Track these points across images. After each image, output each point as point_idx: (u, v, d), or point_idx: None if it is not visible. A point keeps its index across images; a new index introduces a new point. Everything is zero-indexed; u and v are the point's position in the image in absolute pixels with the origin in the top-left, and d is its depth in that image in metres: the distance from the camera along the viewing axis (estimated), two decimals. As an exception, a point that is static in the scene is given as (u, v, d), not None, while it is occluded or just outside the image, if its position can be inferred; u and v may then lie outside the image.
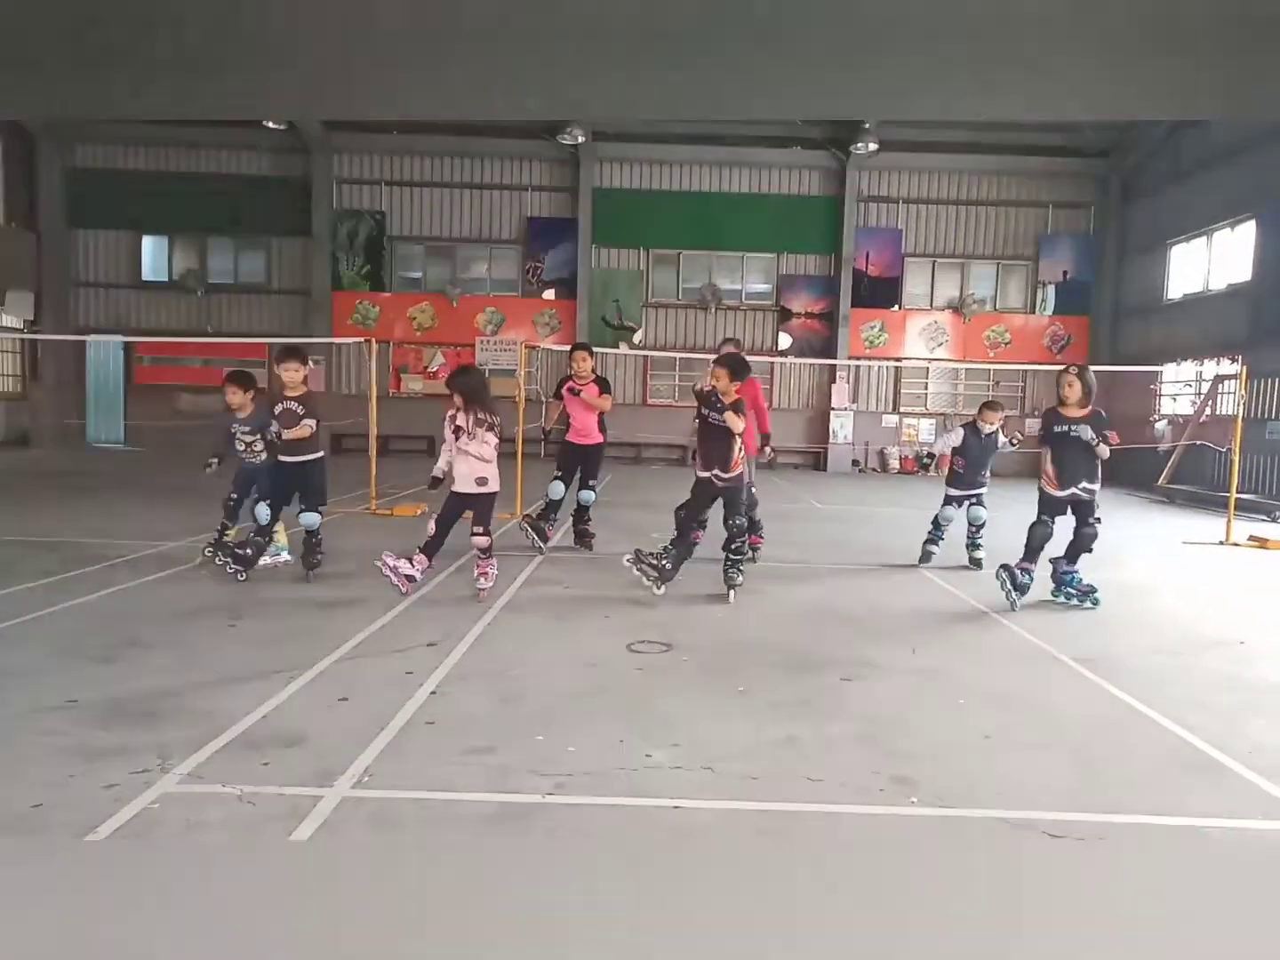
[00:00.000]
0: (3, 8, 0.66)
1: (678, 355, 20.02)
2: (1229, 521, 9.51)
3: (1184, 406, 17.40)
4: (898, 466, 20.70)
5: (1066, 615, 6.07)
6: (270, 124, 19.25)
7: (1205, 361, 16.79)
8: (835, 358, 20.37)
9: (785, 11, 0.67)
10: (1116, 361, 19.33)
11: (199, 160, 20.47)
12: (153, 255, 21.22)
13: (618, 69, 0.71)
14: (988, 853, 1.94)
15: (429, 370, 21.05)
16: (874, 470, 20.84)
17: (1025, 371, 20.61)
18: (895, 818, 2.96)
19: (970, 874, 1.12)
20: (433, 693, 3.98)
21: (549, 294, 21.18)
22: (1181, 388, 17.80)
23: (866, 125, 18.77)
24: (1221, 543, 9.27)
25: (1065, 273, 20.84)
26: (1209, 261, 17.16)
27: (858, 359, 20.87)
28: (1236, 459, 9.53)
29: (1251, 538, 9.28)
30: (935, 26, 0.69)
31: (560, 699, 4.00)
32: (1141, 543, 9.43)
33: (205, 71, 0.70)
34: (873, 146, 19.19)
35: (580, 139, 19.78)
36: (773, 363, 20.72)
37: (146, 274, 21.12)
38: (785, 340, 21.16)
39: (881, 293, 20.99)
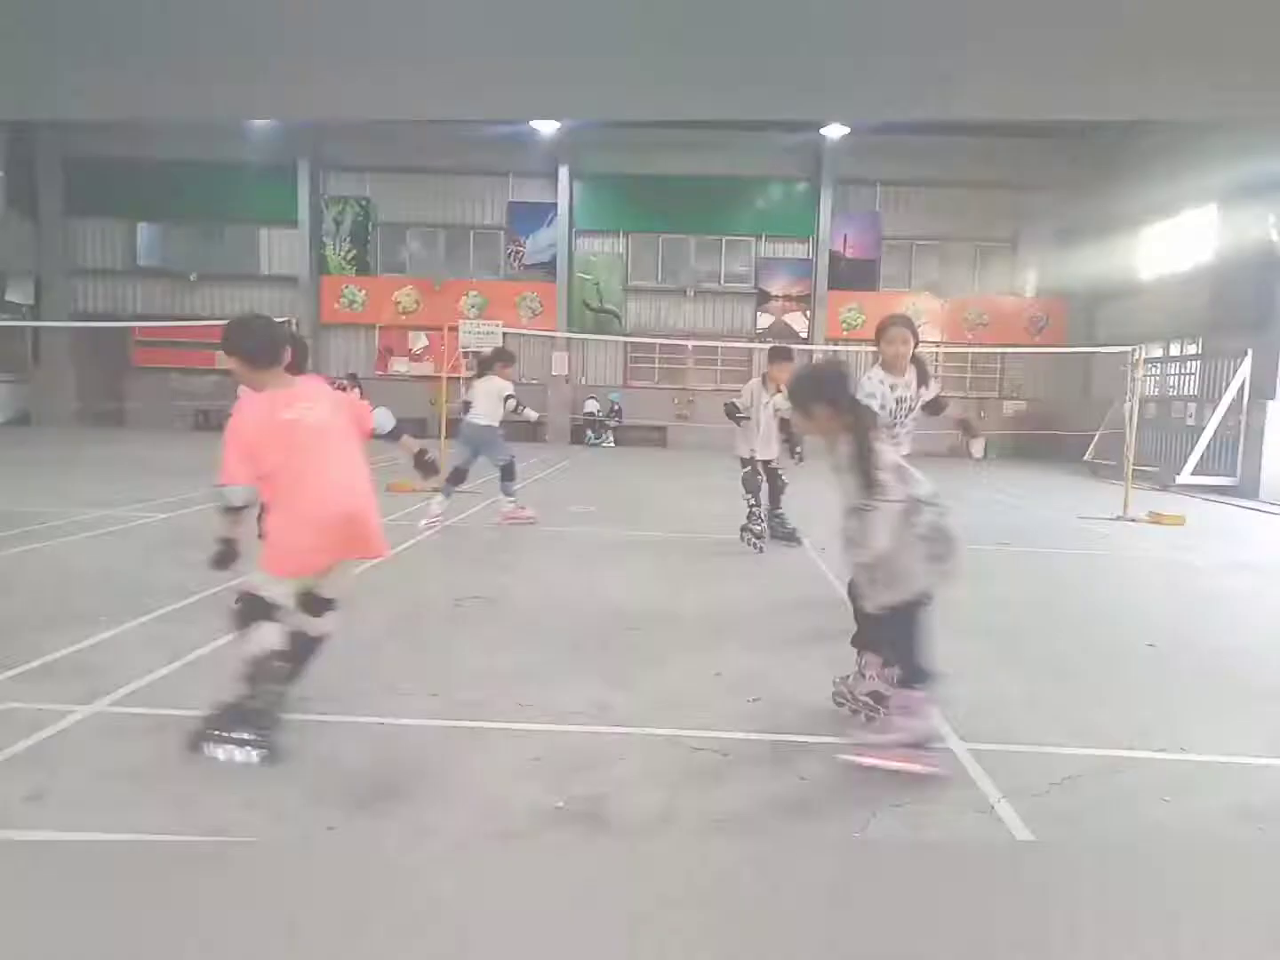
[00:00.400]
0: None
1: (658, 340, 20.32)
2: (1126, 496, 9.71)
3: (1150, 388, 17.43)
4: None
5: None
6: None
7: (1171, 344, 16.83)
8: (812, 341, 20.57)
9: (774, 14, 0.67)
10: (1093, 343, 19.36)
11: (191, 148, 21.01)
12: (147, 242, 21.89)
13: (606, 70, 0.70)
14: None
15: (414, 352, 21.57)
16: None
17: (1003, 354, 20.68)
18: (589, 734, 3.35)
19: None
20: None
21: (529, 277, 21.57)
22: (1149, 369, 17.81)
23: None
24: (1119, 518, 9.48)
25: (1043, 254, 20.85)
26: (1176, 244, 17.14)
27: (835, 341, 21.03)
28: (1133, 437, 9.73)
29: (1151, 513, 9.48)
30: (927, 29, 0.68)
31: (360, 643, 4.41)
32: (1039, 516, 9.68)
33: (194, 73, 0.70)
34: (845, 130, 19.32)
35: (559, 124, 20.08)
36: (751, 347, 20.98)
37: (141, 260, 21.81)
38: (766, 320, 21.40)
39: (860, 275, 21.13)
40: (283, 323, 9.45)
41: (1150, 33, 0.67)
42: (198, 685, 3.68)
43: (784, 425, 7.21)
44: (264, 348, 3.28)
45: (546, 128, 20.12)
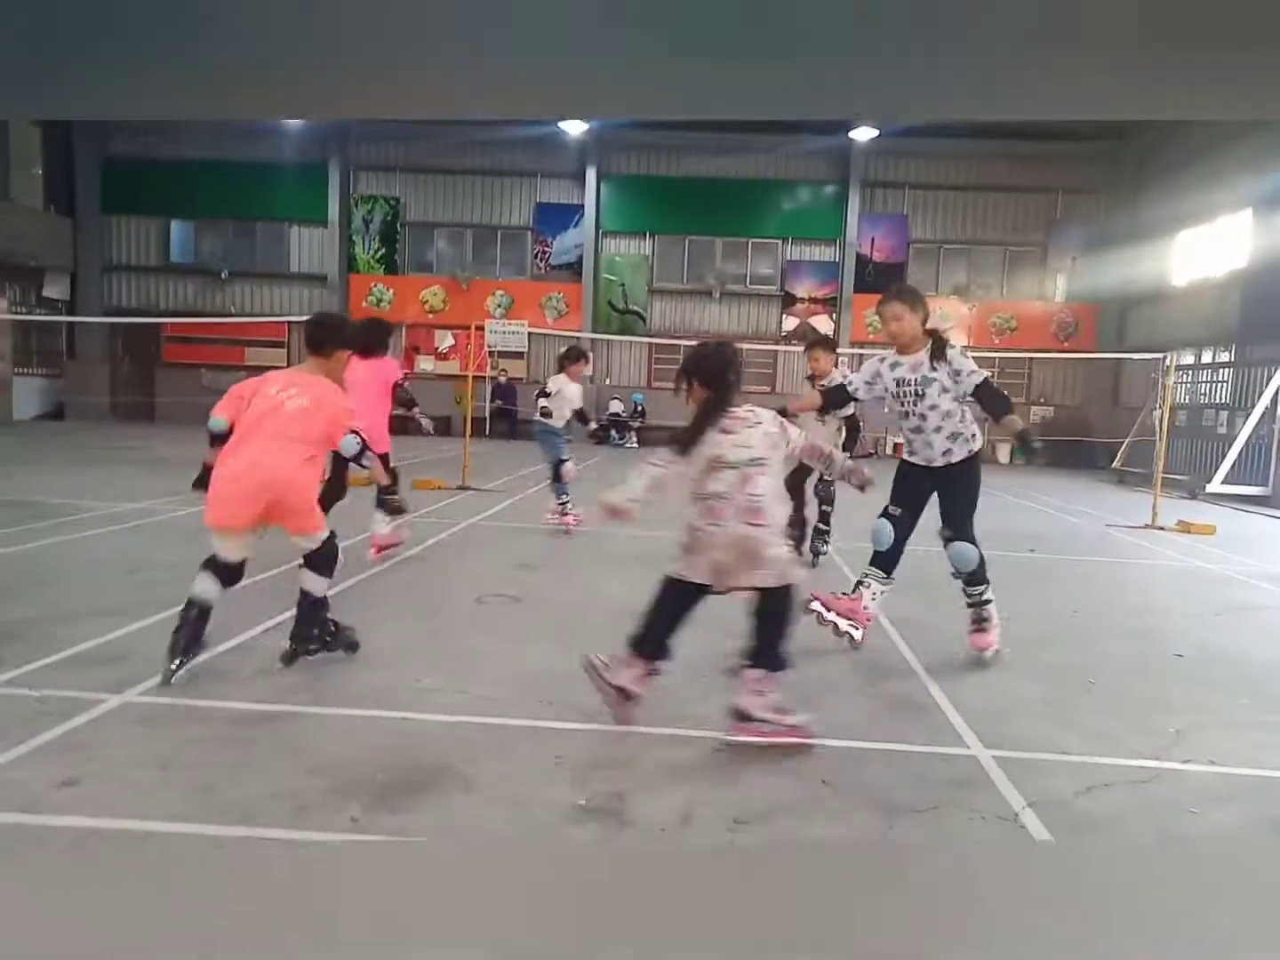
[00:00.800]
0: (13, 10, 0.64)
1: (683, 342, 20.29)
2: (1155, 504, 9.60)
3: (1181, 395, 17.23)
4: (892, 451, 20.82)
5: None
6: (289, 112, 20.01)
7: (1203, 351, 16.61)
8: (838, 344, 20.49)
9: (789, 9, 0.65)
10: (1123, 350, 19.16)
11: (223, 147, 21.31)
12: (180, 240, 22.20)
13: (621, 69, 0.69)
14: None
15: (439, 351, 21.71)
16: (874, 455, 20.93)
17: (1031, 359, 20.50)
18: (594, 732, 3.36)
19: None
20: (271, 628, 4.47)
21: (555, 278, 21.64)
22: (1180, 376, 17.61)
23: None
24: (1147, 526, 9.37)
25: (1074, 259, 20.65)
26: (1210, 250, 16.92)
27: (862, 344, 20.94)
28: (1163, 445, 9.62)
29: (1180, 522, 9.36)
30: (938, 25, 0.66)
31: (384, 639, 4.45)
32: (1066, 523, 9.58)
33: (215, 72, 0.69)
34: (874, 132, 19.24)
35: (588, 125, 20.16)
36: (776, 349, 20.95)
37: (174, 257, 22.13)
38: (791, 323, 21.35)
39: (886, 278, 20.98)
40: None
41: (1187, 28, 0.64)
42: (222, 677, 3.74)
43: (849, 426, 6.50)
44: (309, 337, 4.07)
45: (574, 129, 20.20)
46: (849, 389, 4.61)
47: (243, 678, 3.75)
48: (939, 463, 4.43)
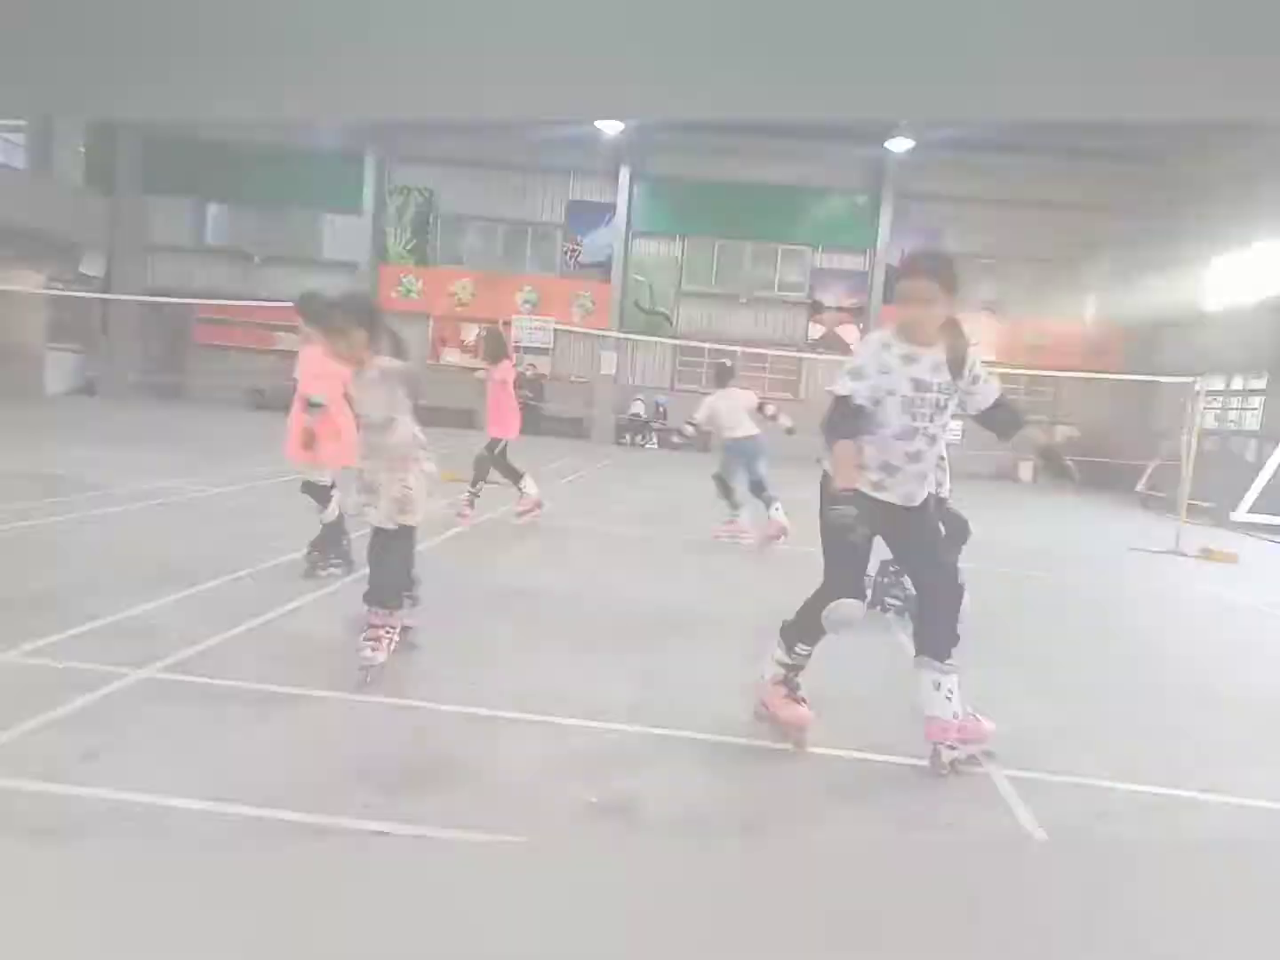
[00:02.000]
0: (40, 7, 0.65)
1: (707, 345, 20.25)
2: (1179, 530, 9.49)
3: (1210, 421, 17.01)
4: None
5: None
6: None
7: (1235, 377, 16.42)
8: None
9: (813, 8, 0.64)
10: (1153, 372, 18.92)
11: (264, 132, 21.40)
12: (215, 222, 22.42)
13: (645, 68, 0.68)
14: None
15: (465, 344, 21.78)
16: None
17: (1058, 378, 20.28)
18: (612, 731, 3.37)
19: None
20: (292, 610, 4.52)
21: (584, 276, 21.67)
22: (1210, 402, 17.38)
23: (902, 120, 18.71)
24: (1169, 551, 9.26)
25: (1107, 279, 20.45)
26: (1245, 275, 16.71)
27: (887, 356, 20.85)
28: (1189, 470, 9.51)
29: (1203, 549, 9.24)
30: (964, 23, 0.65)
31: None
32: (1088, 545, 9.49)
33: (258, 73, 0.69)
34: (910, 143, 19.15)
35: (622, 125, 20.16)
36: (801, 357, 20.87)
37: (208, 239, 22.35)
38: (817, 331, 21.27)
39: (916, 291, 20.90)
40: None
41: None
42: (243, 657, 3.78)
43: None
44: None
45: (610, 128, 20.20)
46: (853, 401, 3.10)
47: (262, 659, 3.78)
48: (916, 501, 3.30)
